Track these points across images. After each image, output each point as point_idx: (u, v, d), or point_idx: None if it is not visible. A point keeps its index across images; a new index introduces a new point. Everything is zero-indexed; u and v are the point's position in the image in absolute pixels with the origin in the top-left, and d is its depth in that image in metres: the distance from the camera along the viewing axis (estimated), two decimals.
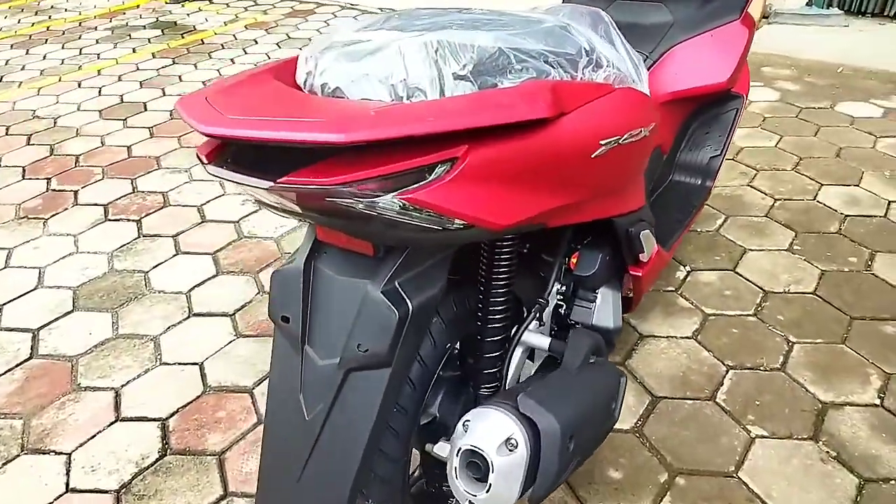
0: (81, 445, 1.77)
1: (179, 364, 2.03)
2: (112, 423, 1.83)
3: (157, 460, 1.71)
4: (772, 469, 1.60)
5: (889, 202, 2.60)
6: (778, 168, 2.87)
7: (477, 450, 0.97)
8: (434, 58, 0.93)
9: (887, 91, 3.57)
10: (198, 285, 2.37)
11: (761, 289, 2.18)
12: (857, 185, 2.72)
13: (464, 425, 1.01)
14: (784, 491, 1.54)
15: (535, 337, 1.25)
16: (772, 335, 1.99)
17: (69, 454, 1.74)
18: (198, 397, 1.90)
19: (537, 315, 1.29)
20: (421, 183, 0.85)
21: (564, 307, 1.42)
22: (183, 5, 5.87)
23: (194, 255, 2.54)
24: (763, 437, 1.68)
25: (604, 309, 1.38)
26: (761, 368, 1.88)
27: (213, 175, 0.92)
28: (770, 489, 1.55)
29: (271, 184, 0.84)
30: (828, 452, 1.63)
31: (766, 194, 2.69)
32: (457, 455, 0.99)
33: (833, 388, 1.80)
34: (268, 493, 1.08)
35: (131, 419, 1.84)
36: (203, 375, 1.97)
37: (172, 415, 1.85)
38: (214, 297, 2.31)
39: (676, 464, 1.61)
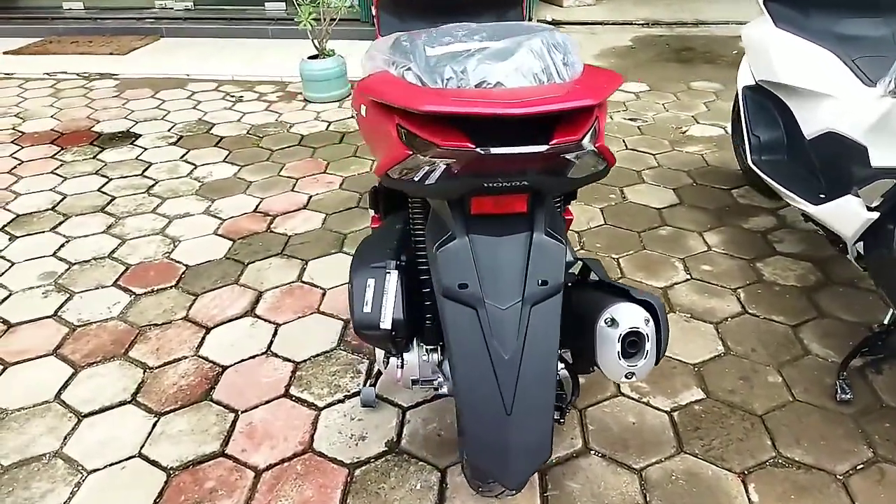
0: None
1: (112, 465, 1.78)
2: None
3: None
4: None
5: None
6: None
7: (635, 330, 1.26)
8: (551, 52, 1.21)
9: None
10: (63, 388, 2.05)
11: (576, 231, 2.79)
12: None
13: (606, 322, 1.28)
14: (675, 345, 2.12)
15: None
16: (602, 259, 2.61)
17: None
18: (167, 482, 1.72)
19: None
20: (596, 135, 1.14)
21: None
22: None
23: (27, 362, 2.16)
24: None
25: None
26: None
27: (495, 154, 1.09)
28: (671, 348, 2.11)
29: (546, 147, 1.06)
30: (685, 315, 2.27)
31: None
32: (619, 341, 1.26)
33: (660, 277, 2.48)
34: (480, 436, 1.19)
35: None
36: (153, 462, 1.78)
37: None
38: (94, 391, 2.03)
39: None
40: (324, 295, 2.44)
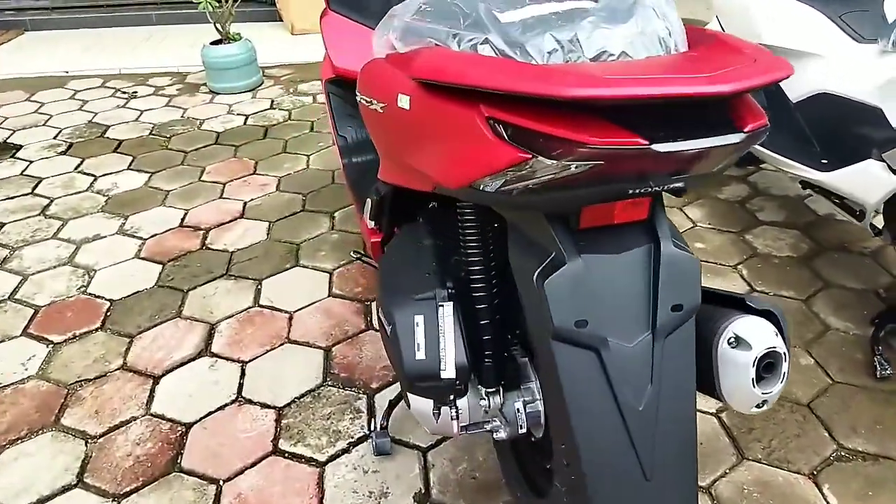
0: None
1: None
2: None
3: None
4: None
5: None
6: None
7: (772, 350, 1.03)
8: (668, 9, 0.94)
9: None
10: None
11: None
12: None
13: (730, 342, 1.05)
14: None
15: None
16: None
17: None
18: None
19: None
20: None
21: None
22: None
23: None
24: None
25: None
26: None
27: (668, 151, 0.80)
28: None
29: (743, 135, 0.82)
30: None
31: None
32: (753, 365, 1.02)
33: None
34: None
35: None
36: None
37: None
38: (25, 477, 1.61)
39: None
40: (291, 320, 2.09)
